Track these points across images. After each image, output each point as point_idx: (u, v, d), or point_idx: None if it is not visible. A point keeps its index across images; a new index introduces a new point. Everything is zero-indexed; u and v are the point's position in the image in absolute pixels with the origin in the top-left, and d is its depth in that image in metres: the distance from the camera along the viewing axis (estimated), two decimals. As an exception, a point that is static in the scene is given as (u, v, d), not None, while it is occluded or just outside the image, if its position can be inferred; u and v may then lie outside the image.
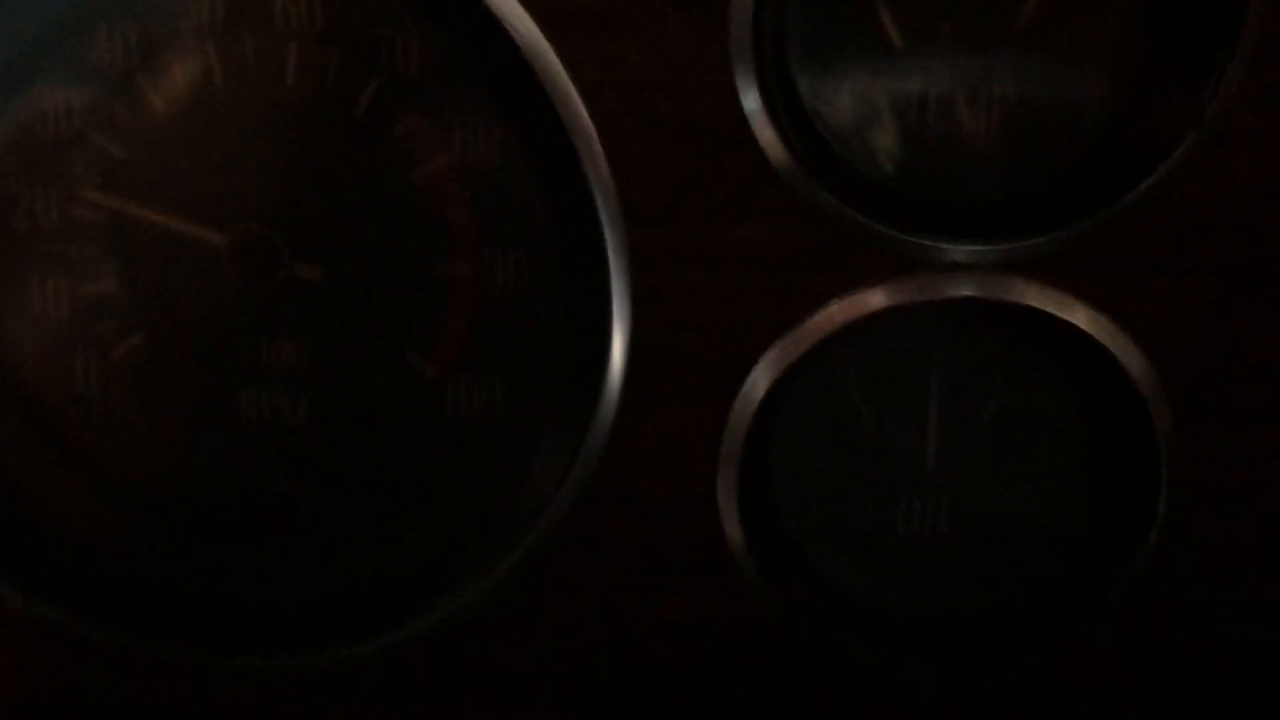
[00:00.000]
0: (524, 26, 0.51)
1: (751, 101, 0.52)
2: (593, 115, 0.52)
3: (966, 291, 0.54)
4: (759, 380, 0.55)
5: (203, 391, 0.60)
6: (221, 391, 0.60)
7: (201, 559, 0.62)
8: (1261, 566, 0.58)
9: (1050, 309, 0.54)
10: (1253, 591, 0.58)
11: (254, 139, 0.57)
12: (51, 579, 0.60)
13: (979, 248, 0.53)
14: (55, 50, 0.57)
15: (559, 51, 0.52)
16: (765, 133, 0.52)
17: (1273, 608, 0.58)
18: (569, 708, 0.60)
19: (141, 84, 0.57)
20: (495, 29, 0.51)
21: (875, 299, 0.54)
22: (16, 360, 0.61)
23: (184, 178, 0.58)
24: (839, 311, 0.54)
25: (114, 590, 0.61)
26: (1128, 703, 0.59)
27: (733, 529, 0.57)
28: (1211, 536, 0.57)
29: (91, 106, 0.57)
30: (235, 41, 0.56)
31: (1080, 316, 0.54)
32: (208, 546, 0.62)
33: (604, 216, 0.53)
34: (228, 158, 0.57)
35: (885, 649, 0.59)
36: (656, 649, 0.59)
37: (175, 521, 0.62)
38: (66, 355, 0.61)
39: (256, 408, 0.60)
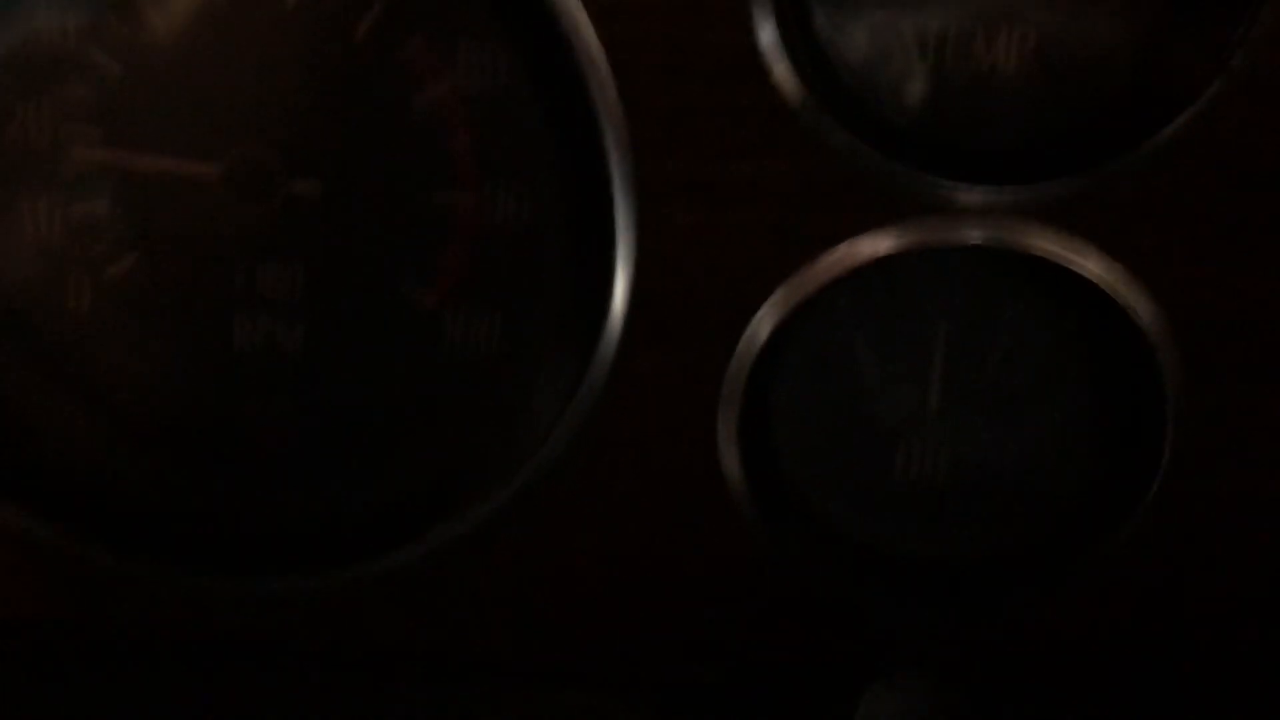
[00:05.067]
0: (534, -52, 0.50)
1: (767, 34, 0.51)
2: (602, 42, 0.51)
3: (978, 236, 0.53)
4: (763, 321, 0.55)
5: (197, 316, 0.60)
6: (216, 317, 0.60)
7: (195, 483, 0.62)
8: (1265, 520, 0.57)
9: (1062, 257, 0.53)
10: (1255, 545, 0.58)
11: (255, 61, 0.56)
12: (49, 501, 0.60)
13: (995, 190, 0.53)
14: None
15: None
16: (780, 66, 0.52)
17: (1274, 561, 0.58)
18: (562, 643, 0.60)
19: (140, 3, 0.56)
20: (504, -50, 0.51)
21: (883, 242, 0.54)
22: (8, 281, 0.60)
23: (183, 98, 0.57)
24: (846, 254, 0.54)
25: (111, 513, 0.61)
26: (1123, 652, 0.60)
27: (732, 469, 0.56)
28: (1215, 489, 0.57)
29: (89, 25, 0.56)
30: (237, -42, 0.55)
31: (1093, 264, 0.53)
32: (201, 471, 0.62)
33: (610, 148, 0.52)
34: (227, 79, 0.56)
35: (882, 591, 0.59)
36: (652, 586, 0.59)
37: (169, 446, 0.62)
38: (58, 277, 0.60)
39: (251, 334, 0.60)
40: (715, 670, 0.60)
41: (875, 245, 0.54)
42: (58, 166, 0.58)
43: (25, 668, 0.62)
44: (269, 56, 0.56)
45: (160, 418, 0.61)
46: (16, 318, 0.60)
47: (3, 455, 0.60)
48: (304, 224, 0.58)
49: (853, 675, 0.57)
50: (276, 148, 0.57)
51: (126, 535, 0.60)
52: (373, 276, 0.59)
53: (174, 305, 0.60)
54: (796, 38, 0.52)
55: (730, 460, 0.56)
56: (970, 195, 0.53)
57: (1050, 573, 0.59)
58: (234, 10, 0.56)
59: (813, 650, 0.60)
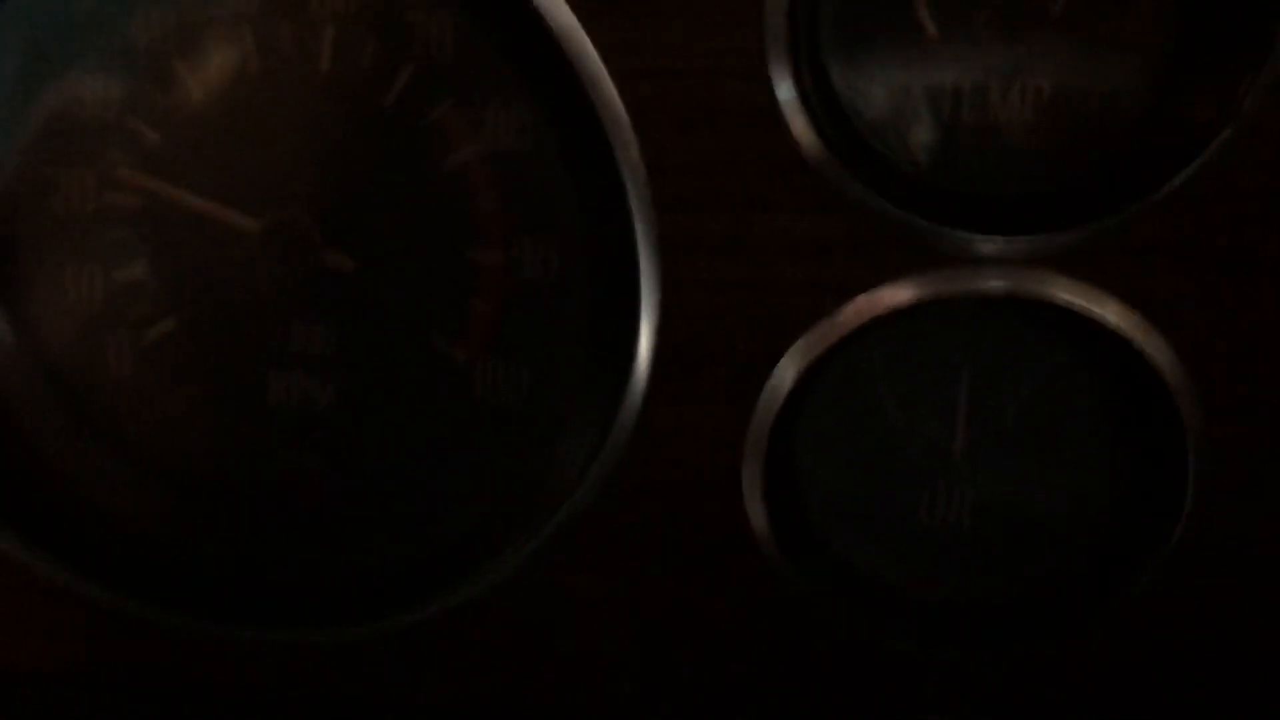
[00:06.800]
0: (558, 12, 0.52)
1: (785, 90, 0.52)
2: (625, 102, 0.52)
3: (996, 286, 0.54)
4: (786, 370, 0.55)
5: (233, 375, 0.61)
6: (251, 375, 0.61)
7: (232, 538, 0.63)
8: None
9: (1080, 304, 0.53)
10: (1277, 588, 0.57)
11: (288, 125, 0.58)
12: (89, 556, 0.61)
13: (1010, 240, 0.53)
14: (94, 36, 0.58)
15: (592, 37, 0.52)
16: (798, 122, 0.52)
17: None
18: (590, 688, 0.60)
19: (178, 69, 0.58)
20: (529, 15, 0.52)
21: (904, 292, 0.54)
22: (52, 344, 0.62)
23: (219, 163, 0.58)
24: (868, 304, 0.54)
25: (150, 567, 0.62)
26: (1148, 694, 0.59)
27: (757, 516, 0.57)
28: (1238, 529, 0.56)
29: (129, 92, 0.58)
30: (271, 27, 0.57)
31: (1110, 311, 0.53)
32: (238, 526, 0.63)
33: (634, 205, 0.53)
34: (262, 143, 0.58)
35: (906, 635, 0.59)
36: (680, 633, 0.59)
37: (207, 501, 0.63)
38: (100, 339, 0.61)
39: (286, 391, 0.61)
40: (741, 716, 0.60)
41: (895, 295, 0.54)
42: (100, 232, 0.60)
43: (64, 718, 0.63)
44: (303, 122, 0.57)
45: (198, 474, 0.63)
46: (60, 380, 0.62)
47: (46, 513, 0.62)
48: (337, 284, 0.59)
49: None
50: (311, 210, 0.58)
51: (165, 589, 0.61)
52: (404, 333, 0.60)
53: (211, 365, 0.61)
54: (814, 94, 0.53)
55: (756, 508, 0.57)
56: (987, 245, 0.53)
57: (1075, 615, 0.58)
58: (268, 78, 0.57)
59: (840, 695, 0.59)
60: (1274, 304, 0.54)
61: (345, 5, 0.56)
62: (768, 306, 0.55)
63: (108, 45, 0.58)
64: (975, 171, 0.55)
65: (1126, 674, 0.59)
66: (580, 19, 0.52)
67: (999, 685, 0.59)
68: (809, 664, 0.59)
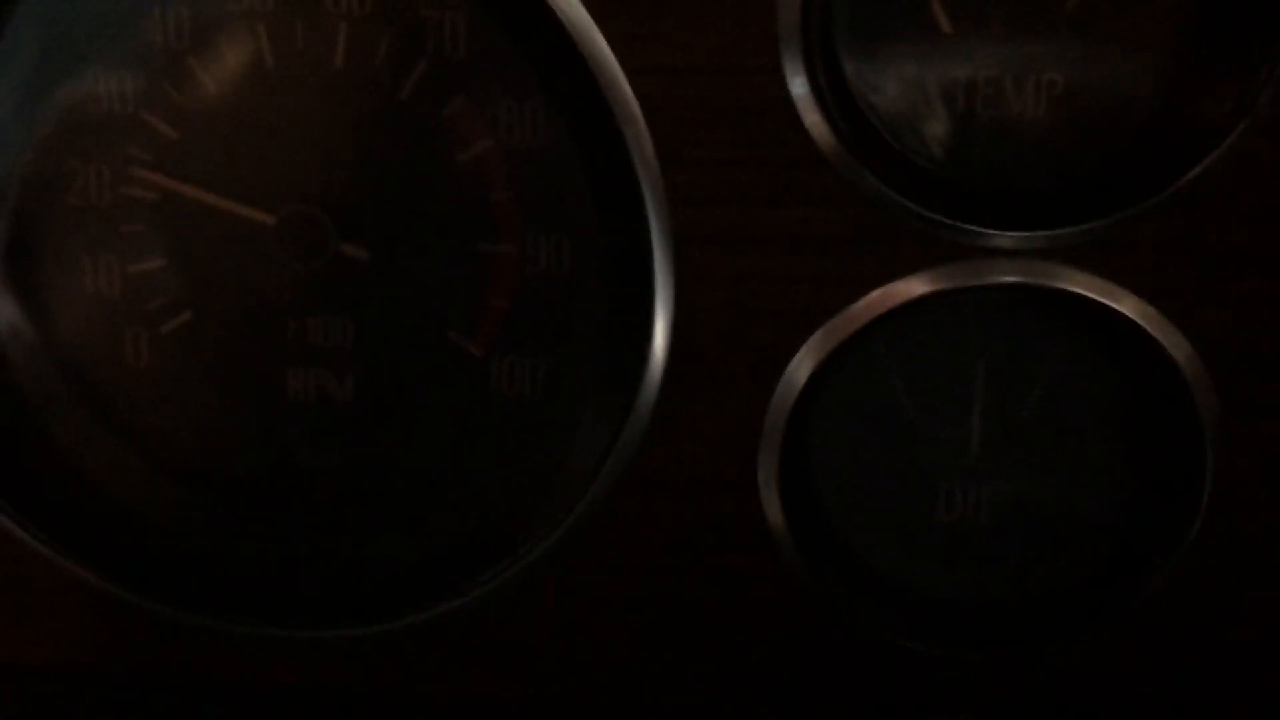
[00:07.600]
0: (571, 8, 0.52)
1: (799, 85, 0.52)
2: (639, 97, 0.52)
3: (1011, 278, 0.54)
4: (802, 364, 0.55)
5: (250, 369, 0.61)
6: (268, 369, 0.61)
7: (247, 533, 0.63)
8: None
9: (1096, 296, 0.53)
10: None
11: (303, 120, 0.58)
12: (105, 551, 0.61)
13: (1024, 234, 0.53)
14: (110, 32, 0.58)
15: (606, 33, 0.52)
16: (812, 116, 0.52)
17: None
18: (607, 684, 0.61)
19: (193, 65, 0.58)
20: (543, 10, 0.52)
21: (919, 285, 0.54)
22: (69, 338, 0.62)
23: (234, 158, 0.58)
24: (883, 297, 0.54)
25: (166, 563, 0.62)
26: (1165, 693, 0.59)
27: (773, 512, 0.57)
28: (1255, 529, 0.56)
29: (144, 87, 0.58)
30: (286, 23, 0.57)
31: (1126, 304, 0.53)
32: (254, 521, 0.63)
33: (648, 199, 0.53)
34: (277, 138, 0.58)
35: (922, 633, 0.59)
36: (695, 628, 0.59)
37: (223, 496, 0.63)
38: (117, 333, 0.62)
39: (303, 385, 0.61)
40: (756, 714, 0.60)
41: (910, 289, 0.54)
42: (117, 225, 0.60)
43: (83, 715, 0.63)
44: (318, 116, 0.58)
45: (215, 469, 0.63)
46: (77, 373, 0.62)
47: (63, 507, 0.62)
48: (353, 277, 0.59)
49: (894, 718, 0.57)
50: (326, 205, 0.58)
51: (178, 584, 0.62)
52: (420, 327, 0.60)
53: (228, 359, 0.61)
54: (828, 88, 0.53)
55: (771, 503, 0.57)
56: (1001, 239, 0.53)
57: (1091, 614, 0.58)
58: (283, 73, 0.57)
59: (854, 693, 0.60)
60: (1288, 295, 0.54)
61: (359, 2, 0.56)
62: (782, 301, 0.55)
63: (123, 41, 0.58)
64: (989, 166, 0.55)
65: (1143, 673, 0.59)
66: (593, 14, 0.52)
67: (1014, 684, 0.59)
68: (823, 662, 0.59)
